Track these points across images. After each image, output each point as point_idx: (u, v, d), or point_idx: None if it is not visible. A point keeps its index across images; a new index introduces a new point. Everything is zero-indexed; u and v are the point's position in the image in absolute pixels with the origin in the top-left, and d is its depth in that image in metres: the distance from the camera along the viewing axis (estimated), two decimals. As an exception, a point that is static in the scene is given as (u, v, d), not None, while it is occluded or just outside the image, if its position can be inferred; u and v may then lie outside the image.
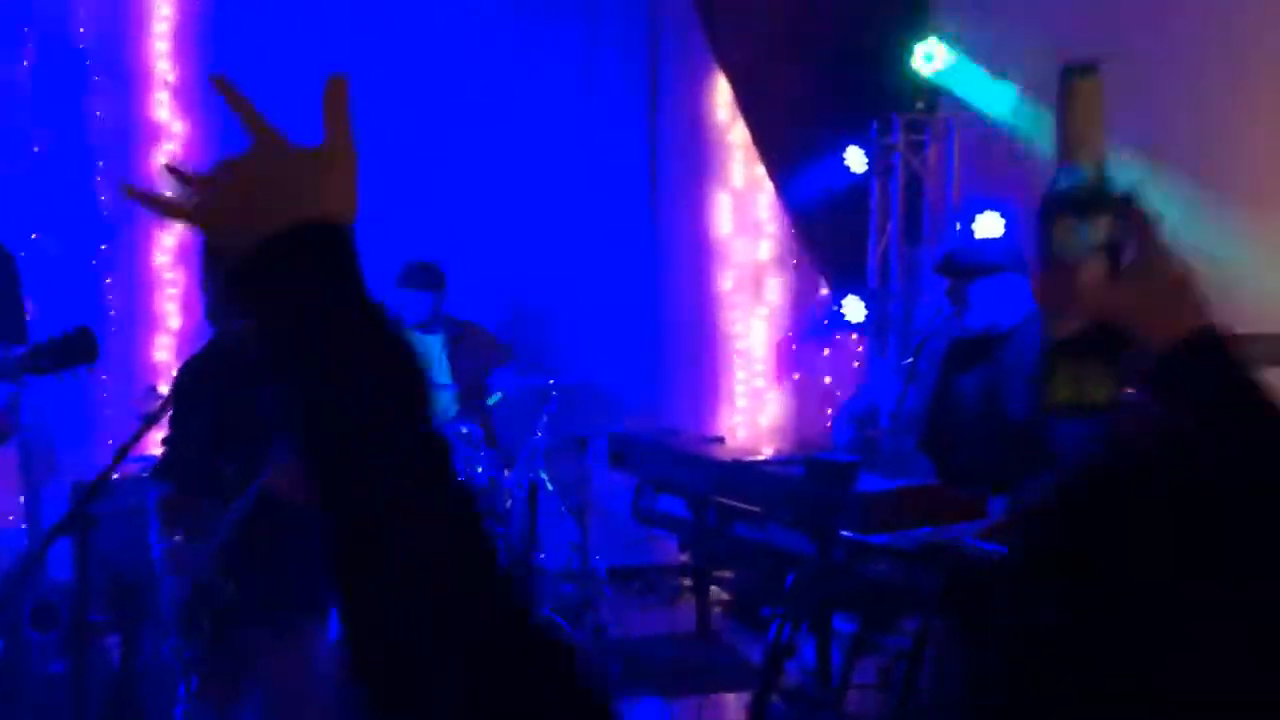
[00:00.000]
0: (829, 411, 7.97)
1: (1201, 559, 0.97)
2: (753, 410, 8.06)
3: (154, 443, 3.91)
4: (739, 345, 8.05)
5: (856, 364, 7.77)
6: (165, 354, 6.92)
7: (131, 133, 6.90)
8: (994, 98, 7.04)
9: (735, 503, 3.90)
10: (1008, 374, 4.42)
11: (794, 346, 8.07)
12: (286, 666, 4.00)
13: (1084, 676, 0.98)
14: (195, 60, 7.04)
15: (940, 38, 7.03)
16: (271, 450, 3.86)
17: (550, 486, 6.71)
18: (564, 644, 1.05)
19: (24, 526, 5.18)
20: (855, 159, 7.32)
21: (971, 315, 4.43)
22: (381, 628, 1.07)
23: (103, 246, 6.84)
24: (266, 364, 1.19)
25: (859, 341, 7.70)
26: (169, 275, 7.01)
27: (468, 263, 7.01)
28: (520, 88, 7.45)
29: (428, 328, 6.69)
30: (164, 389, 5.39)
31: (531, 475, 6.35)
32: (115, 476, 3.29)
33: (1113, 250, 1.53)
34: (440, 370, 6.61)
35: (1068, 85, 1.68)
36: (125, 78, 6.92)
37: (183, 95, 7.00)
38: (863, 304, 7.32)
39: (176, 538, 3.75)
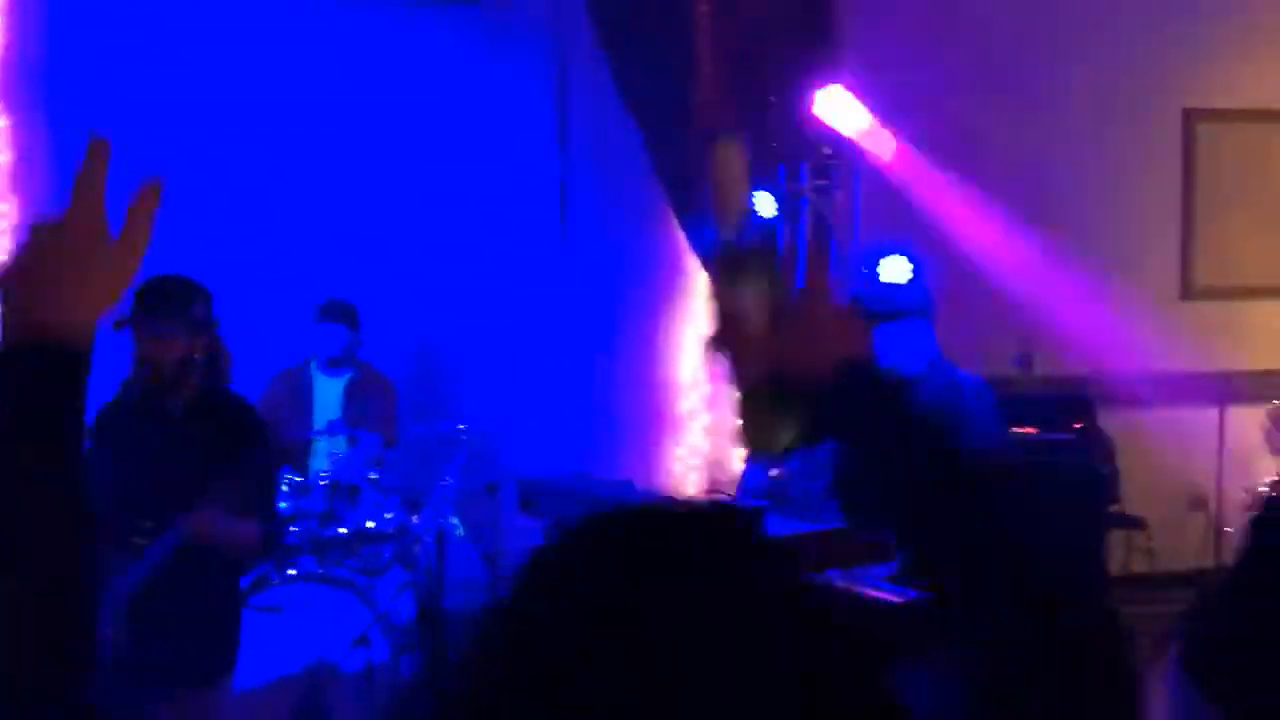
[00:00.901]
0: (739, 454, 8.00)
1: None
2: (663, 453, 8.06)
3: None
4: (650, 387, 8.06)
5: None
6: None
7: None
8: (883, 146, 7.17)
9: (643, 548, 3.89)
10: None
11: (706, 388, 8.09)
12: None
13: None
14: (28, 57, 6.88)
15: (840, 85, 7.12)
16: (184, 503, 3.82)
17: (461, 531, 6.67)
18: None
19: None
20: (764, 203, 7.38)
21: (884, 356, 4.47)
22: None
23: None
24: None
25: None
26: None
27: (376, 305, 6.96)
28: (425, 123, 7.41)
29: (338, 365, 6.65)
30: None
31: (441, 520, 6.31)
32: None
33: (770, 301, 1.58)
34: (337, 413, 6.56)
35: (713, 153, 1.78)
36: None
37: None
38: (772, 346, 7.35)
39: None
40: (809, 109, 7.09)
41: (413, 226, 7.39)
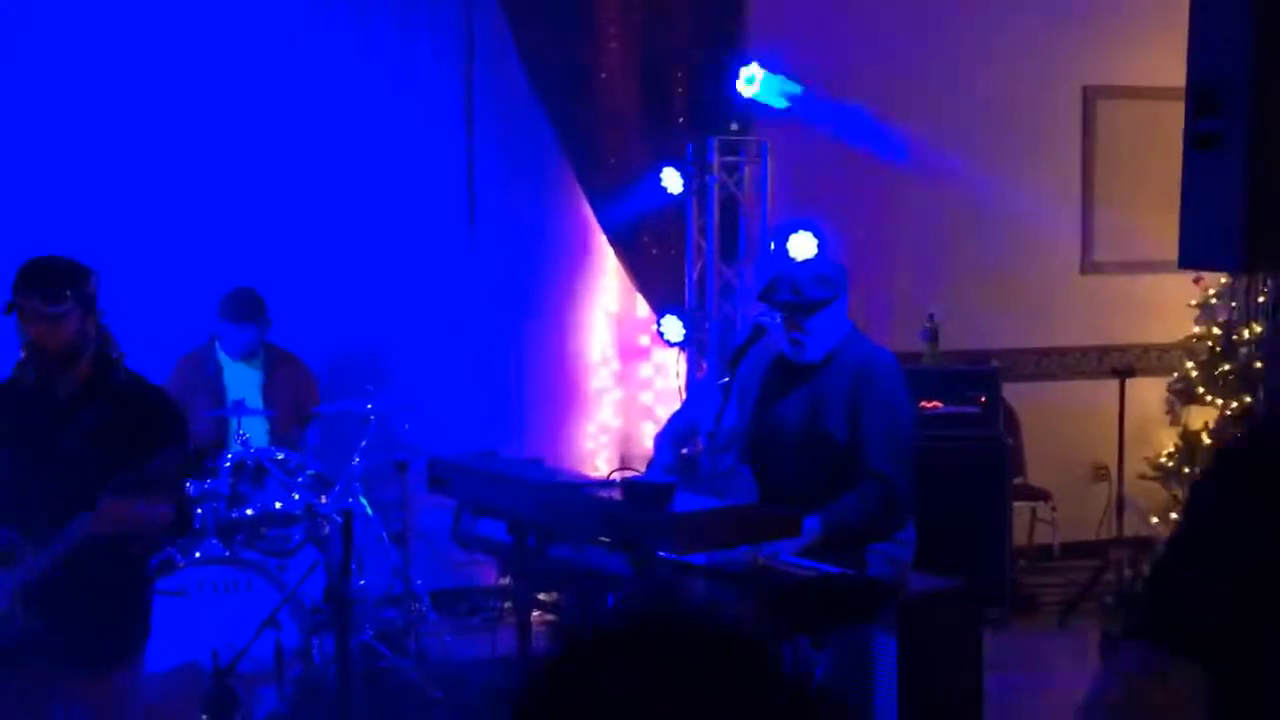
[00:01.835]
0: (649, 430, 8.02)
1: None
2: (572, 430, 8.06)
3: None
4: (559, 364, 8.05)
5: (677, 382, 7.83)
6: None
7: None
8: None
9: (554, 525, 3.90)
10: (827, 394, 4.51)
11: (614, 366, 8.10)
12: (99, 713, 3.90)
13: None
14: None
15: (758, 60, 7.15)
16: (84, 485, 3.76)
17: (370, 511, 6.63)
18: None
19: None
20: (672, 180, 7.39)
21: (813, 345, 4.50)
22: None
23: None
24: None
25: (679, 360, 7.77)
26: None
27: (284, 287, 6.89)
28: (332, 104, 7.33)
29: (249, 358, 6.58)
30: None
31: (349, 500, 6.27)
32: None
33: None
34: (255, 398, 6.50)
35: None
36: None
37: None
38: (681, 323, 7.38)
39: None
40: (717, 85, 7.10)
41: (320, 207, 7.31)
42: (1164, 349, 8.20)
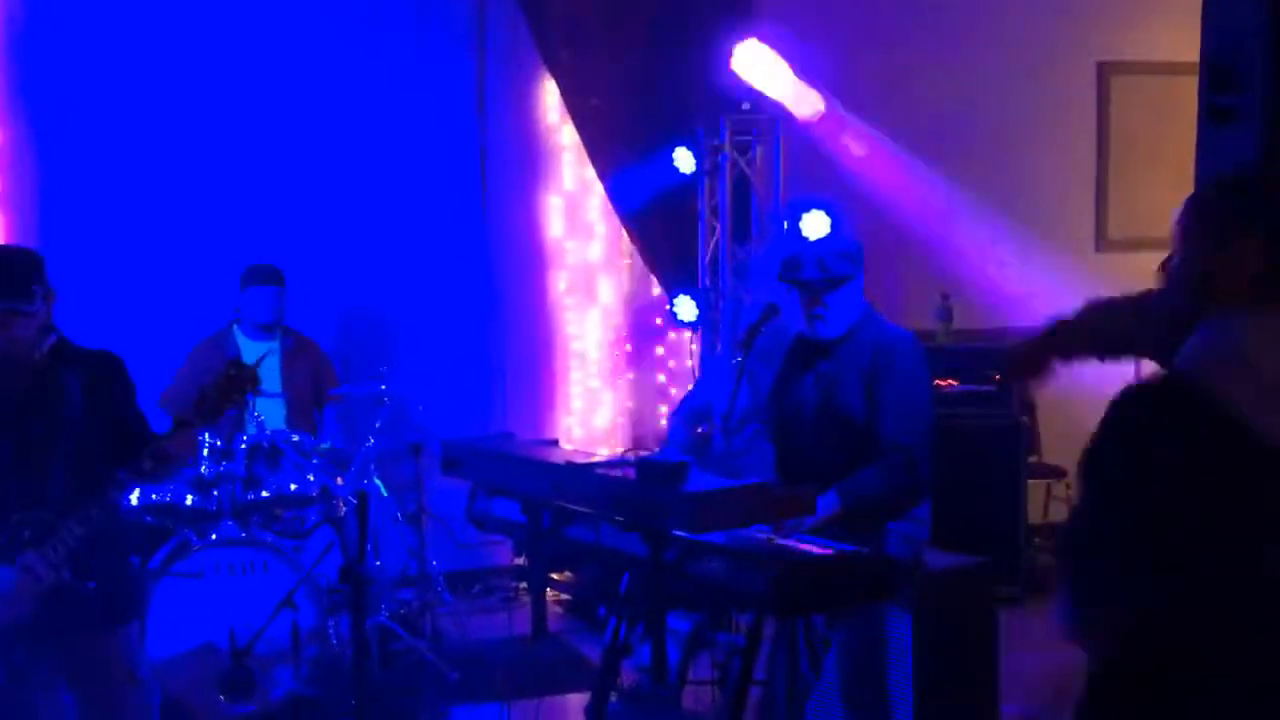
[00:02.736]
0: (664, 411, 8.03)
1: None
2: (587, 411, 8.07)
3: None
4: (573, 347, 8.06)
5: (690, 363, 7.83)
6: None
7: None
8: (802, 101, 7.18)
9: (568, 505, 3.89)
10: (846, 372, 4.50)
11: (627, 347, 8.10)
12: (105, 668, 3.92)
13: None
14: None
15: (759, 40, 7.11)
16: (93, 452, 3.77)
17: (385, 493, 6.65)
18: None
19: None
20: (684, 160, 7.38)
21: (834, 320, 4.49)
22: None
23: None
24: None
25: (692, 340, 7.77)
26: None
27: (300, 271, 6.90)
28: (346, 91, 7.34)
29: (269, 330, 6.58)
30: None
31: (364, 482, 6.29)
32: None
33: None
34: (272, 381, 6.51)
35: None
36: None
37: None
38: (694, 303, 7.38)
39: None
40: (728, 65, 7.08)
41: (335, 193, 7.32)
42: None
